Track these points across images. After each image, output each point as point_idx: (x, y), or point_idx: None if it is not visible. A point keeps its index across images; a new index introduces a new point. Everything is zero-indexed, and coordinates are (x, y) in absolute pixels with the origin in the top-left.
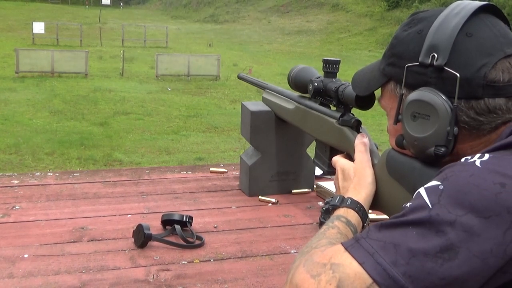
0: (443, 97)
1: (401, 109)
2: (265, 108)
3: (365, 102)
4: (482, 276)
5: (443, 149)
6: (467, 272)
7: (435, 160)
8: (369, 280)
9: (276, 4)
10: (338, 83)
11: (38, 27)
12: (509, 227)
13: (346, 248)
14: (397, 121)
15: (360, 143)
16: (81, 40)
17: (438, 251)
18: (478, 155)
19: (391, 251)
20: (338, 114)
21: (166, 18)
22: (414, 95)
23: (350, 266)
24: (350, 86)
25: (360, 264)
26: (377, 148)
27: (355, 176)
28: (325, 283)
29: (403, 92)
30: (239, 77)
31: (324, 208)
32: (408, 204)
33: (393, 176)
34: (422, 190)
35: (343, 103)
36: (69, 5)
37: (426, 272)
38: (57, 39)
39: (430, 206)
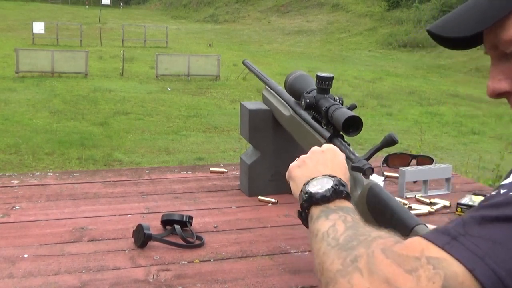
0: None
1: None
2: (264, 107)
3: (353, 127)
4: None
5: None
6: None
7: None
8: (478, 284)
9: (276, 4)
10: (329, 103)
11: (38, 27)
12: None
13: (442, 247)
14: None
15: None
16: (81, 40)
17: None
18: None
19: (499, 251)
20: (328, 134)
21: (166, 18)
22: None
23: (458, 264)
24: (340, 109)
25: (469, 269)
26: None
27: (329, 161)
28: (427, 281)
29: None
30: (244, 64)
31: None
32: (502, 194)
33: (372, 212)
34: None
35: (332, 124)
36: (69, 5)
37: None
38: (57, 39)
39: None
